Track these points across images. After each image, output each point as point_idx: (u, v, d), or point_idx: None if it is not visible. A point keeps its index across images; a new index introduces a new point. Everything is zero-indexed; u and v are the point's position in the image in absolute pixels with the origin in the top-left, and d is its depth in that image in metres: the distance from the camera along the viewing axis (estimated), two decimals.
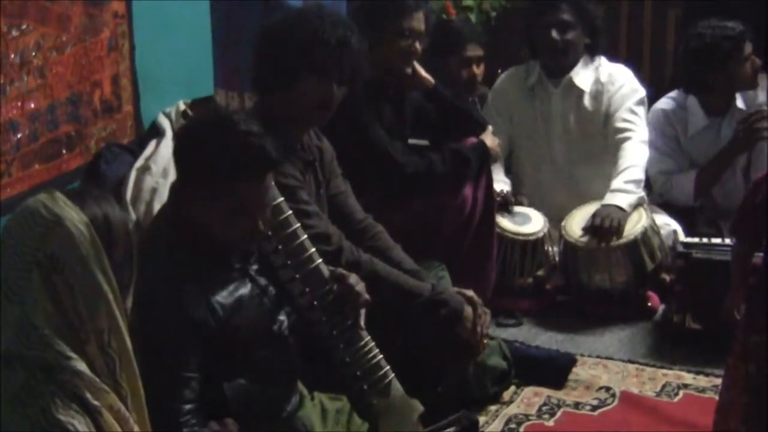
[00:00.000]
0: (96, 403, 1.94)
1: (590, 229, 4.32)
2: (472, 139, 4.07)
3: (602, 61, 4.75)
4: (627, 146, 4.54)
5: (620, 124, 4.60)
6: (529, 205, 4.65)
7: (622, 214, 4.32)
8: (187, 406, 2.48)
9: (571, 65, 4.68)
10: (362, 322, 2.95)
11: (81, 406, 1.93)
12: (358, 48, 3.23)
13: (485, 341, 3.50)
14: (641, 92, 4.69)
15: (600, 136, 4.70)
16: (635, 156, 4.51)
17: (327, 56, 3.15)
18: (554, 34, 4.59)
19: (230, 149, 2.56)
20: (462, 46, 4.62)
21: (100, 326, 1.97)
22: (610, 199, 4.38)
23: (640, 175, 4.47)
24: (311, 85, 3.17)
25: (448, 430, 2.81)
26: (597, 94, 4.69)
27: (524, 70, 4.85)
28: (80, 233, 1.95)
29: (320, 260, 2.93)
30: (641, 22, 5.83)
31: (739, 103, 4.65)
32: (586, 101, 4.69)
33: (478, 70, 4.72)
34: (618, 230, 4.28)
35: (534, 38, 4.72)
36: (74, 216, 1.96)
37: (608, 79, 4.69)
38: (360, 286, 2.92)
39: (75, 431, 1.90)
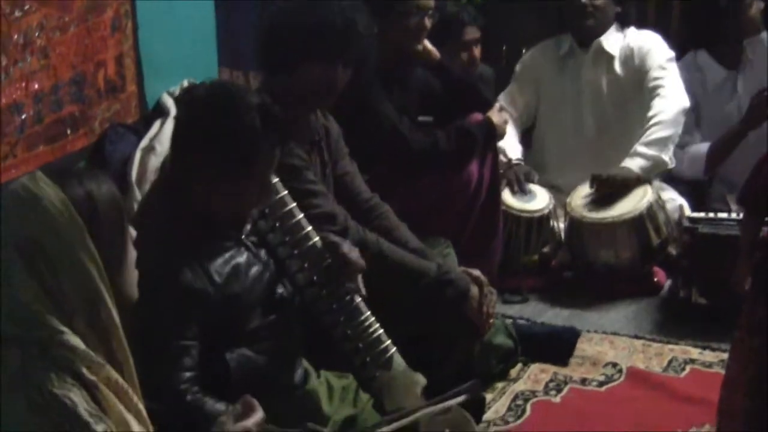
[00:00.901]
0: (92, 377, 1.95)
1: (593, 185, 4.36)
2: (478, 116, 4.05)
3: (632, 29, 4.76)
4: (656, 102, 4.54)
5: (652, 83, 4.60)
6: (552, 177, 4.68)
7: (631, 174, 4.35)
8: (187, 374, 2.49)
9: (601, 31, 4.70)
10: (361, 288, 2.96)
11: (77, 380, 1.93)
12: (366, 31, 3.21)
13: (491, 321, 3.49)
14: (670, 52, 4.69)
15: (632, 103, 4.69)
16: (661, 112, 4.50)
17: (333, 41, 3.13)
18: None
19: (252, 126, 2.57)
20: (460, 30, 4.58)
21: (86, 302, 1.97)
22: (627, 162, 4.41)
23: (664, 133, 4.45)
24: (316, 70, 3.16)
25: (456, 398, 2.80)
26: (627, 59, 4.69)
27: (555, 42, 4.87)
28: (58, 212, 1.95)
29: (317, 238, 2.94)
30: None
31: (750, 54, 4.69)
32: (617, 66, 4.70)
33: (477, 52, 4.68)
34: (619, 185, 4.32)
35: (563, 4, 4.73)
36: (51, 194, 1.96)
37: (637, 43, 4.70)
38: (354, 254, 2.93)
39: (71, 404, 1.90)
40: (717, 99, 4.75)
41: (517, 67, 4.92)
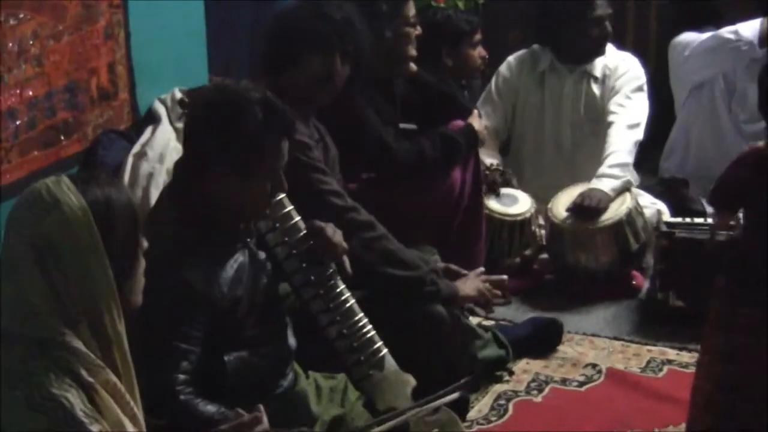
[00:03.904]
0: (90, 379, 1.95)
1: (574, 209, 4.34)
2: (460, 123, 4.07)
3: (611, 48, 4.83)
4: (612, 131, 4.60)
5: (612, 107, 4.68)
6: (528, 187, 4.69)
7: (606, 197, 4.34)
8: (182, 377, 2.48)
9: (599, 55, 4.78)
10: (347, 267, 2.97)
11: (75, 382, 1.93)
12: (362, 28, 3.33)
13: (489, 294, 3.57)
14: (641, 79, 4.76)
15: (605, 119, 4.73)
16: (620, 140, 4.56)
17: (331, 32, 3.25)
18: (608, 27, 4.68)
19: (259, 118, 2.58)
20: (474, 31, 4.61)
21: (92, 310, 1.98)
22: (596, 183, 4.41)
23: (625, 159, 4.51)
24: (317, 59, 3.26)
25: (441, 400, 2.81)
26: (605, 79, 4.77)
27: (530, 55, 4.90)
28: (76, 218, 1.96)
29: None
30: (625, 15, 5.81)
31: None
32: (595, 86, 4.76)
33: (483, 52, 4.72)
34: (600, 212, 4.30)
35: (575, 30, 4.72)
36: (73, 200, 1.97)
37: (615, 65, 4.76)
38: (337, 236, 2.93)
39: (69, 405, 1.91)
40: None
41: (494, 79, 4.94)
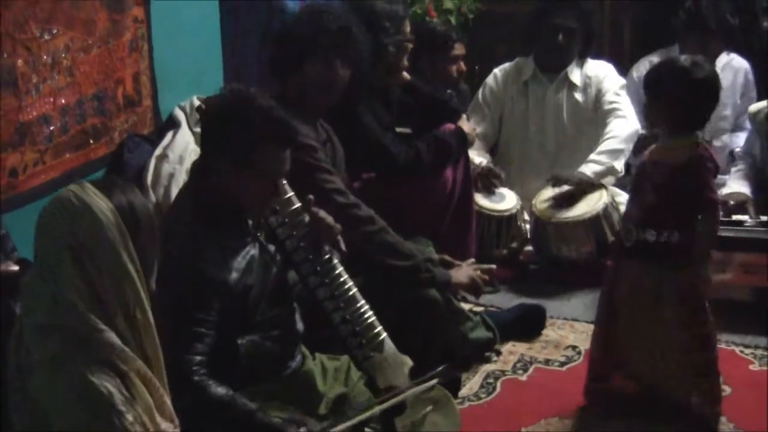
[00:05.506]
0: (124, 367, 1.98)
1: (554, 183, 4.43)
2: (451, 126, 4.12)
3: (587, 59, 4.86)
4: (612, 120, 4.66)
5: (608, 106, 4.72)
6: (514, 187, 4.73)
7: (586, 178, 4.42)
8: (198, 358, 2.50)
9: (567, 64, 4.80)
10: (342, 246, 2.99)
11: (112, 370, 1.97)
12: (359, 36, 3.37)
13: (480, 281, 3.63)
14: (621, 80, 4.82)
15: (587, 123, 4.79)
16: (617, 128, 4.62)
17: (330, 40, 3.30)
18: (560, 38, 4.69)
19: (257, 123, 2.62)
20: (451, 46, 4.66)
21: (126, 301, 2.01)
22: (581, 167, 4.49)
23: (618, 146, 4.56)
24: (318, 66, 3.31)
25: (431, 381, 2.86)
26: (585, 86, 4.81)
27: (515, 66, 4.93)
28: (107, 219, 1.99)
29: None
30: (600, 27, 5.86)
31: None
32: (577, 94, 4.80)
33: (463, 66, 4.77)
34: (574, 184, 4.38)
35: (539, 42, 4.79)
36: (101, 204, 2.00)
37: (593, 72, 4.81)
38: (329, 218, 2.95)
39: (107, 393, 1.94)
40: None
41: (481, 90, 4.97)
